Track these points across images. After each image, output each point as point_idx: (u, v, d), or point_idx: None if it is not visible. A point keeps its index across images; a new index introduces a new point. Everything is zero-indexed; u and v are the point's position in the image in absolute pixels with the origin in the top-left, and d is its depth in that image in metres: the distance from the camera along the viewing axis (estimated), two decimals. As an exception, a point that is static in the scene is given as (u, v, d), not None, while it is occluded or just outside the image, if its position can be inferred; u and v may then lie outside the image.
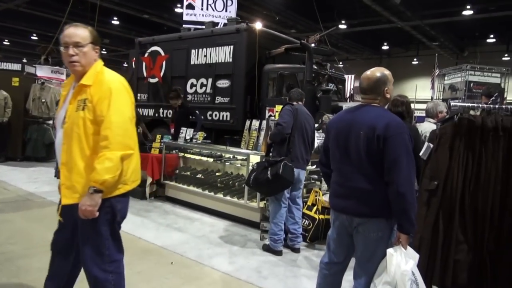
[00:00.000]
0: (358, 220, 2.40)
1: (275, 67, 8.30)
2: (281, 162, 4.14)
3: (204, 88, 9.01)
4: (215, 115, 8.80)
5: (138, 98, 10.53)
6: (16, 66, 10.20)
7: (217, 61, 8.79)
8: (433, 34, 18.97)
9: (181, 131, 6.83)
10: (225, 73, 8.63)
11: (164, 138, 7.02)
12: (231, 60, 8.54)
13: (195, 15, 10.18)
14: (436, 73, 16.39)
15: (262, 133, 5.56)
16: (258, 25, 8.39)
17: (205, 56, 9.04)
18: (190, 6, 10.24)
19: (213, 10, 10.12)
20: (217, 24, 9.43)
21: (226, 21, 9.59)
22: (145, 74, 10.37)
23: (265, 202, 5.11)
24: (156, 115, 10.12)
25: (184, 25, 10.20)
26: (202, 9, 9.83)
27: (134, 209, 5.96)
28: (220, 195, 5.82)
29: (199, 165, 6.80)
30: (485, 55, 21.04)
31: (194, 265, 4.03)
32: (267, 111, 8.31)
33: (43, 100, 10.29)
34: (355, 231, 2.44)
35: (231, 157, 6.24)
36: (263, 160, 4.60)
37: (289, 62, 8.54)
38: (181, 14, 18.36)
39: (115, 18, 17.91)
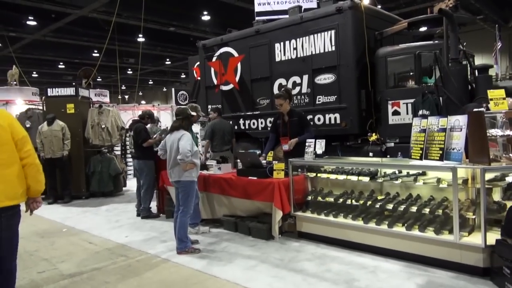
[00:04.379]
0: None
1: (398, 49, 6.52)
2: None
3: (298, 88, 7.36)
4: (318, 119, 7.12)
5: (209, 110, 8.96)
6: (69, 91, 8.85)
7: (313, 53, 7.11)
8: (477, 7, 17.00)
9: (307, 144, 5.15)
10: (326, 65, 6.95)
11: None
12: (333, 48, 6.85)
13: (268, 3, 8.58)
14: (499, 46, 14.33)
15: (457, 133, 3.80)
16: (365, 1, 6.64)
17: (295, 49, 7.39)
18: (262, -6, 8.63)
19: (290, -5, 8.48)
20: (301, 9, 7.74)
21: (310, 5, 7.90)
22: (215, 81, 8.85)
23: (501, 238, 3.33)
24: (236, 127, 8.52)
25: (257, 18, 8.59)
26: (276, -4, 8.20)
27: (273, 259, 4.30)
28: (401, 229, 4.07)
29: (335, 187, 5.11)
30: None
31: None
32: (389, 106, 6.55)
33: (103, 126, 8.91)
34: None
35: (397, 172, 4.48)
36: None
37: (398, 43, 6.78)
38: (208, 21, 17.63)
39: (140, 36, 17.15)
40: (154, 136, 6.81)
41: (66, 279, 4.08)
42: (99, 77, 27.51)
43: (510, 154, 3.63)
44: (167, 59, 26.75)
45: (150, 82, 37.29)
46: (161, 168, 6.31)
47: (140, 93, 40.70)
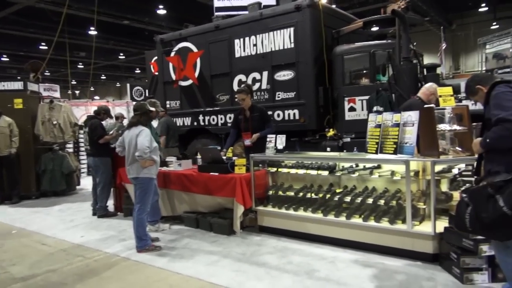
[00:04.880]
0: None
1: (354, 47, 6.74)
2: None
3: (258, 84, 7.41)
4: (278, 115, 7.22)
5: (168, 106, 8.84)
6: (17, 85, 8.35)
7: (273, 49, 7.19)
8: (424, 9, 18.07)
9: (268, 139, 5.22)
10: (285, 62, 7.05)
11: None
12: (292, 45, 6.96)
13: (229, 0, 8.51)
14: (444, 47, 15.29)
15: (409, 128, 4.02)
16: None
17: (255, 45, 7.44)
18: (222, -10, 8.57)
19: (249, -9, 8.45)
20: (261, 5, 7.77)
21: (270, 2, 7.97)
22: (173, 77, 8.70)
23: (449, 226, 3.58)
24: (195, 123, 8.45)
25: (216, 13, 8.53)
26: (236, -9, 8.18)
27: (235, 254, 4.34)
28: (358, 221, 4.25)
29: (295, 181, 5.22)
30: (474, 26, 21.19)
31: None
32: (346, 103, 6.77)
33: (55, 122, 8.50)
34: None
35: (354, 166, 4.66)
36: (473, 181, 2.89)
37: (354, 42, 7.04)
38: (164, 15, 17.32)
39: (92, 28, 16.53)
40: (111, 132, 6.62)
41: (18, 282, 3.89)
42: (47, 71, 26.14)
43: (457, 147, 3.88)
44: (121, 54, 25.92)
45: (103, 77, 35.94)
46: (119, 165, 6.15)
47: (92, 88, 39.10)
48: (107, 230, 5.63)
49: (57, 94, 13.63)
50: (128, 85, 16.94)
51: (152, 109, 5.36)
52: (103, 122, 6.78)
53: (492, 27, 20.40)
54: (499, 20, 20.73)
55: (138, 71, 32.82)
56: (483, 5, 20.61)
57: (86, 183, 9.37)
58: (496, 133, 2.51)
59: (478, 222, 2.56)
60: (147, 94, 12.18)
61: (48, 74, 28.18)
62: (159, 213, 5.53)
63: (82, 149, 10.61)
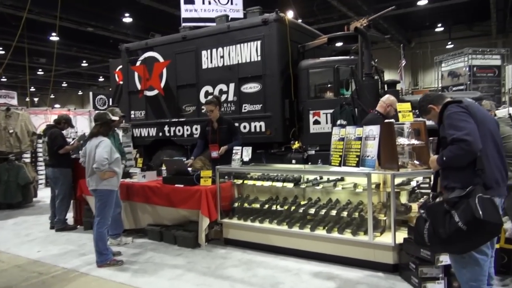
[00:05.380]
0: None
1: (319, 62, 6.91)
2: (473, 197, 2.54)
3: (224, 96, 7.42)
4: (244, 127, 7.25)
5: (133, 116, 8.69)
6: (-30, 91, 7.93)
7: (240, 62, 7.25)
8: (385, 27, 18.97)
9: (234, 151, 5.23)
10: (252, 75, 7.12)
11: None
12: (259, 58, 7.05)
13: (195, 10, 8.54)
14: (403, 64, 16.04)
15: (371, 142, 4.16)
16: (288, 15, 6.96)
17: (222, 57, 7.47)
18: (189, 1, 8.58)
19: (217, 4, 8.53)
20: (228, 18, 7.84)
21: (237, 15, 8.06)
22: (139, 86, 8.56)
23: (409, 237, 3.71)
24: (160, 134, 8.34)
25: (183, 24, 8.50)
26: (203, 3, 8.21)
27: (200, 268, 4.29)
28: (322, 232, 4.32)
29: (261, 193, 5.25)
30: (431, 45, 22.37)
31: None
32: (311, 116, 6.92)
33: (11, 131, 8.14)
34: None
35: (319, 178, 4.75)
36: (430, 197, 2.99)
37: (318, 57, 7.24)
38: (129, 24, 17.09)
39: (53, 34, 16.05)
40: (72, 143, 6.40)
41: (-34, 302, 3.66)
42: (4, 77, 24.99)
43: (415, 161, 4.05)
44: (84, 61, 25.20)
45: (64, 84, 34.72)
46: (79, 176, 5.95)
47: (52, 96, 37.69)
48: (66, 245, 5.41)
49: (14, 102, 12.98)
50: (90, 93, 16.47)
51: (115, 118, 5.25)
52: (64, 132, 6.56)
53: (448, 46, 21.62)
54: (454, 40, 21.99)
55: (101, 79, 31.98)
56: (439, 25, 21.84)
57: (44, 195, 8.96)
58: (452, 152, 2.65)
59: (435, 237, 2.66)
60: (110, 103, 11.91)
61: (5, 80, 26.93)
62: (122, 226, 5.38)
63: (41, 159, 10.16)
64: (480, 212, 2.45)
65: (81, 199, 6.15)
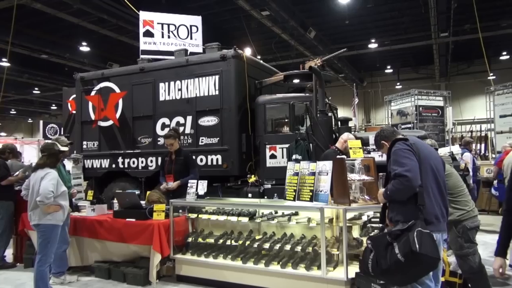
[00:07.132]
0: None
1: (275, 98, 7.09)
2: (413, 231, 2.66)
3: (182, 128, 7.38)
4: (201, 160, 7.21)
5: (85, 147, 8.40)
6: None
7: (198, 95, 7.31)
8: (339, 66, 20.05)
9: (189, 185, 5.17)
10: (210, 108, 7.17)
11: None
12: (217, 92, 7.14)
13: (154, 43, 8.59)
14: (356, 102, 16.94)
15: (324, 177, 4.27)
16: (246, 52, 7.17)
17: (180, 89, 7.50)
18: (148, 34, 8.62)
19: (176, 38, 8.63)
20: (187, 52, 7.95)
21: (196, 49, 8.19)
22: (93, 117, 8.34)
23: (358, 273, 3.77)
24: (114, 165, 8.08)
25: (142, 56, 8.50)
26: (162, 36, 8.29)
27: (152, 307, 4.10)
28: (276, 268, 4.29)
29: (216, 228, 5.17)
30: (381, 85, 23.90)
31: None
32: (267, 150, 7.01)
33: None
34: None
35: (274, 212, 4.76)
36: (379, 229, 3.11)
37: (275, 93, 7.48)
38: (86, 52, 16.88)
39: (4, 60, 15.51)
40: (16, 174, 6.05)
41: None
42: None
43: (365, 196, 4.19)
44: (36, 88, 24.30)
45: (13, 112, 33.13)
46: (22, 210, 5.58)
47: (-1, 123, 35.77)
48: (3, 285, 5.00)
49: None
50: (41, 122, 15.84)
51: (65, 149, 5.04)
52: (7, 162, 6.19)
53: (397, 87, 23.04)
54: (402, 81, 23.52)
55: (54, 107, 30.86)
56: (389, 67, 23.44)
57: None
58: (394, 186, 2.81)
59: (377, 267, 2.76)
60: (62, 133, 11.47)
61: None
62: (66, 263, 5.06)
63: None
64: (417, 245, 2.58)
65: (23, 234, 5.74)
